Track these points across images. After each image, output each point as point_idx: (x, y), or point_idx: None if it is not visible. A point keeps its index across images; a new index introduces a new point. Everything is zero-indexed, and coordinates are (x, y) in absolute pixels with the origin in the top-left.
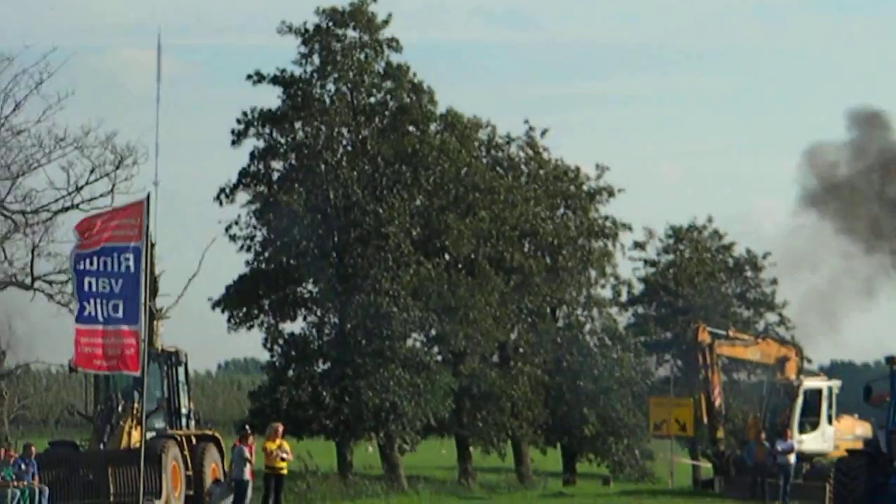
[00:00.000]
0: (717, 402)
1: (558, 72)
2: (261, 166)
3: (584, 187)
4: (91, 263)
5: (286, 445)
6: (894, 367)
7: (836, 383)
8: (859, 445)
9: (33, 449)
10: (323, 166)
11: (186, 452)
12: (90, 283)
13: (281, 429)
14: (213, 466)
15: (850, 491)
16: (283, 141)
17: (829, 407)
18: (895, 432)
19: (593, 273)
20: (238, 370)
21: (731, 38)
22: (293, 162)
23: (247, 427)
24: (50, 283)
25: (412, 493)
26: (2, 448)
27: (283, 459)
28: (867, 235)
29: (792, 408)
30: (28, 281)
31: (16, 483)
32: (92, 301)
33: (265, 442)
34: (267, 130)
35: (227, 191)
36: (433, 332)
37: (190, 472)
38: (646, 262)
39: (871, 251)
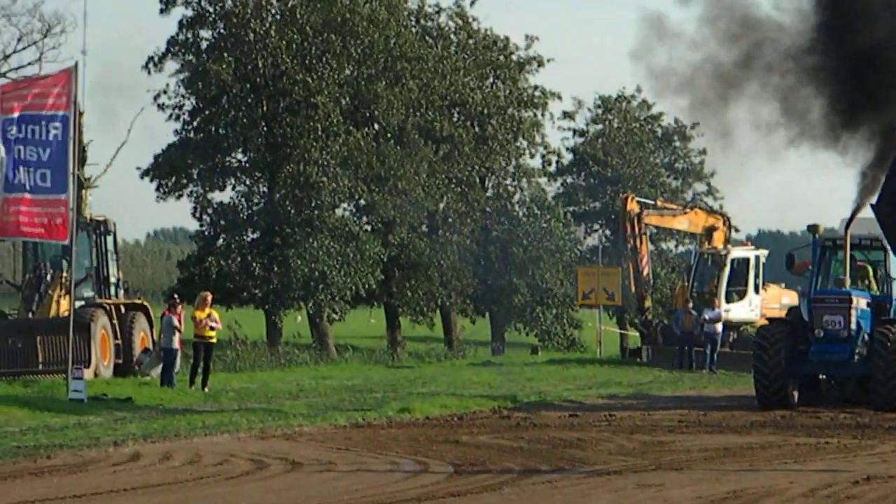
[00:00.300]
0: (645, 271)
1: None
2: (189, 35)
3: (514, 57)
4: (20, 131)
5: (215, 314)
6: (816, 235)
7: (762, 252)
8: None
9: None
10: (252, 35)
11: (115, 321)
12: (19, 151)
13: (210, 298)
14: (142, 335)
15: (771, 358)
16: (211, 10)
17: (756, 276)
18: (816, 300)
19: (523, 143)
20: (167, 240)
21: None
22: (222, 31)
23: (175, 296)
24: None
25: (341, 361)
26: None
27: (211, 328)
28: (722, 126)
29: (719, 277)
30: None
31: None
32: (21, 169)
33: (194, 311)
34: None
35: (156, 60)
36: (362, 201)
37: (119, 341)
38: (575, 131)
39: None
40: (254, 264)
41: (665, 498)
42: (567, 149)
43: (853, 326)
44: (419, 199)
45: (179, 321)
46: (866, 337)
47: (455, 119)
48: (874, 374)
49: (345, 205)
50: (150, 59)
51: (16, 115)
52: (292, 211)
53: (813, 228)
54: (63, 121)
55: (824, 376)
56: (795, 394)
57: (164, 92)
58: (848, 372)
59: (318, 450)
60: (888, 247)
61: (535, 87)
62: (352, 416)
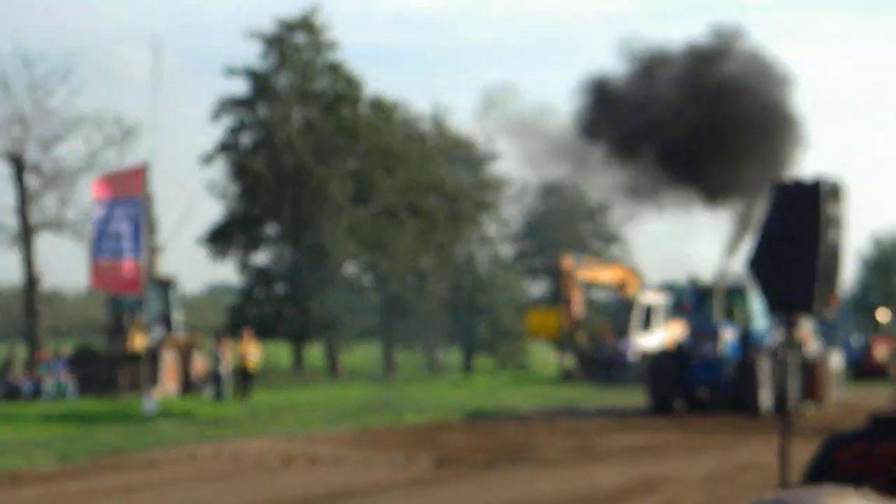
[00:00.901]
0: (577, 312)
1: (458, 66)
2: (234, 138)
3: (477, 151)
4: (109, 211)
5: (254, 348)
6: (696, 284)
7: (664, 297)
8: None
9: (64, 351)
10: (280, 139)
11: (178, 353)
12: (106, 227)
13: (249, 334)
14: (199, 364)
15: (661, 385)
16: (249, 119)
17: (661, 315)
18: (694, 333)
19: (485, 217)
20: (218, 292)
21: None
22: (258, 135)
23: (223, 334)
24: (75, 227)
25: (348, 382)
26: (37, 350)
27: (251, 358)
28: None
29: (632, 317)
30: (57, 224)
31: (53, 375)
32: (107, 240)
33: (239, 345)
34: (238, 112)
35: (209, 157)
36: (364, 262)
37: (181, 369)
38: (525, 209)
39: None
40: (283, 310)
41: (592, 484)
42: (521, 220)
43: (722, 353)
44: (407, 261)
45: (226, 352)
46: (733, 361)
47: (433, 199)
48: (740, 389)
49: (351, 265)
50: (205, 156)
51: (105, 199)
52: (311, 269)
53: (692, 278)
54: (139, 203)
55: (703, 391)
56: (682, 404)
57: (216, 181)
58: (719, 388)
59: (332, 448)
60: (750, 290)
61: (494, 179)
62: (358, 423)
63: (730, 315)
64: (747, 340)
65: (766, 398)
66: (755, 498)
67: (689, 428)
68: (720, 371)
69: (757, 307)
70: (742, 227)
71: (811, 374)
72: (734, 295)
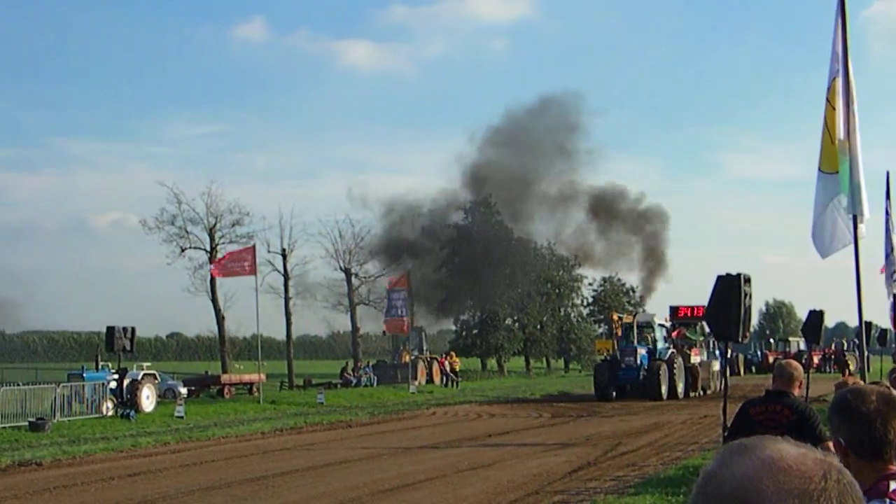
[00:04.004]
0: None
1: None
2: (451, 259)
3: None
4: (393, 295)
5: (458, 360)
6: (622, 321)
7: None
8: None
9: (370, 362)
10: (475, 258)
11: (425, 363)
12: (392, 301)
13: (455, 354)
14: (437, 368)
15: (602, 381)
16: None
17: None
18: (621, 350)
19: (573, 296)
20: (444, 334)
21: None
22: (464, 256)
23: (449, 353)
24: (374, 303)
25: (508, 377)
26: (358, 362)
27: (457, 366)
28: None
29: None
30: (366, 302)
31: (365, 374)
32: (393, 309)
33: (450, 357)
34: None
35: (439, 268)
36: (516, 318)
37: (427, 371)
38: (594, 290)
39: None
40: (476, 341)
41: (630, 425)
42: (591, 297)
43: (638, 362)
44: (536, 316)
45: (447, 363)
46: (645, 367)
47: (549, 286)
48: (648, 383)
49: (508, 319)
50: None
51: (390, 289)
52: (488, 322)
53: (620, 317)
54: (407, 292)
55: (627, 384)
56: (614, 392)
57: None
58: (637, 383)
59: (500, 409)
60: (655, 325)
61: (572, 278)
62: (512, 396)
63: (642, 339)
64: (653, 355)
65: (664, 389)
66: (721, 444)
67: (665, 402)
68: (637, 373)
69: (659, 335)
70: (644, 294)
71: (692, 374)
72: (645, 327)
